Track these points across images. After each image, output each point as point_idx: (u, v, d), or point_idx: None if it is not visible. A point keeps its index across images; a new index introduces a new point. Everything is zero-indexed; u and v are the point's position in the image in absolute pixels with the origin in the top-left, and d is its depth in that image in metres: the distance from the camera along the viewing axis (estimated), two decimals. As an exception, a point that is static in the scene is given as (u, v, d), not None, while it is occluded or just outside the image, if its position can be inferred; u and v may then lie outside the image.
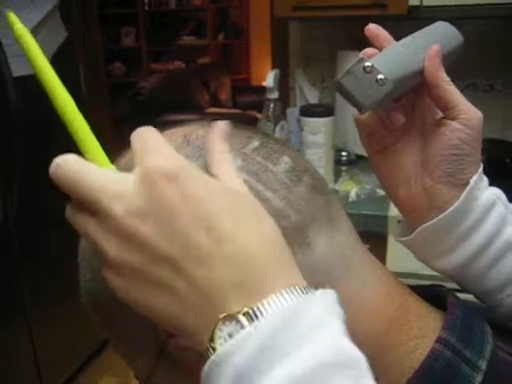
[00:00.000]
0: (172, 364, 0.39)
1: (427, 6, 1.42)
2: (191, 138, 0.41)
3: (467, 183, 0.45)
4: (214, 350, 0.29)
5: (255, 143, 0.41)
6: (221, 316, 0.29)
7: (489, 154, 1.66)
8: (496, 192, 0.47)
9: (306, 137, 1.48)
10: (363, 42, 1.80)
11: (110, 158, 0.37)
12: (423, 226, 0.46)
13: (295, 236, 0.38)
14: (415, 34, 0.49)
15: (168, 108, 3.28)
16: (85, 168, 0.34)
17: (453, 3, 1.41)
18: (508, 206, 0.47)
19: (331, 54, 1.84)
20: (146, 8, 5.33)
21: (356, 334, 0.39)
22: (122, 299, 0.33)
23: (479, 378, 0.38)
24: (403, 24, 1.84)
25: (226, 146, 0.38)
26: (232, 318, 0.29)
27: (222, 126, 0.40)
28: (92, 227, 0.32)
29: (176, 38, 5.36)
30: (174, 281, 0.30)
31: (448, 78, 0.46)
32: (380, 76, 0.42)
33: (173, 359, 0.38)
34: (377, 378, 0.38)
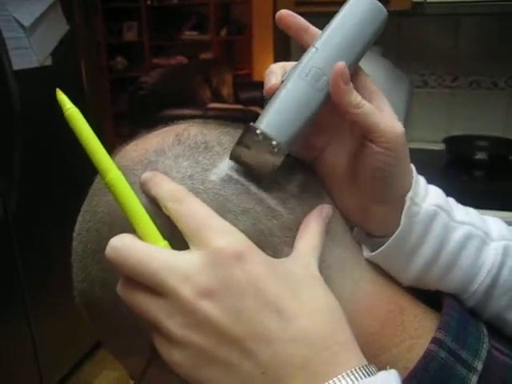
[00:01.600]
0: (163, 365, 0.38)
1: (431, 2, 1.41)
2: (182, 138, 0.41)
3: (402, 200, 0.42)
4: None
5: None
6: None
7: (492, 152, 1.66)
8: (434, 199, 0.44)
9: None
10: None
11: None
12: (370, 255, 0.43)
13: (286, 235, 0.38)
14: (319, 43, 0.42)
15: (169, 103, 3.28)
16: (146, 249, 0.34)
17: (457, -1, 1.40)
18: (450, 211, 0.44)
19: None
20: (149, 2, 5.31)
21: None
22: (184, 375, 0.33)
23: (475, 378, 0.38)
24: (406, 20, 1.84)
25: (322, 228, 0.38)
26: None
27: (326, 209, 0.40)
28: (153, 306, 0.33)
29: (178, 33, 5.34)
30: (242, 362, 0.31)
31: (359, 99, 0.39)
32: (273, 143, 0.38)
33: (163, 360, 0.38)
34: None
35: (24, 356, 1.98)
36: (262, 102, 1.51)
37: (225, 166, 0.39)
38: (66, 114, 0.37)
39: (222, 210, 0.37)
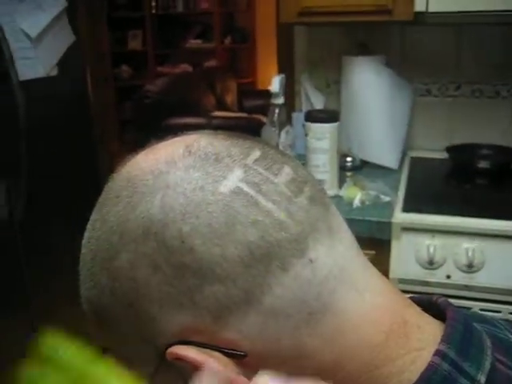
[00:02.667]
0: (168, 372, 0.40)
1: (433, 12, 1.42)
2: (193, 149, 0.41)
3: None
4: None
5: (256, 153, 0.42)
6: None
7: (494, 161, 1.67)
8: None
9: (311, 142, 1.48)
10: (368, 47, 1.81)
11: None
12: None
13: (294, 248, 0.39)
14: None
15: (174, 111, 3.29)
16: None
17: (459, 9, 1.40)
18: None
19: (336, 59, 1.85)
20: (153, 11, 5.35)
21: (356, 345, 0.40)
22: None
23: None
24: (409, 29, 1.85)
25: None
26: None
27: None
28: None
29: (183, 42, 5.38)
30: None
31: None
32: None
33: (170, 367, 0.39)
34: None
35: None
36: (266, 110, 1.52)
37: (235, 178, 0.39)
38: None
39: (232, 222, 0.37)
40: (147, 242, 0.38)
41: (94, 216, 0.44)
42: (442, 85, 1.88)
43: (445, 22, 1.76)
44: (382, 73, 1.73)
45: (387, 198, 1.44)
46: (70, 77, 2.11)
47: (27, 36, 1.84)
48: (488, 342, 0.42)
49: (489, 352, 0.40)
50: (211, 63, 5.25)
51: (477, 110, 1.86)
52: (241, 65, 5.40)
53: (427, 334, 0.41)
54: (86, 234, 0.44)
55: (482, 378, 0.39)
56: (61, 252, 1.93)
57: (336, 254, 0.41)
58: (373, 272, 0.44)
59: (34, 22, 1.87)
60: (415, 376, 0.39)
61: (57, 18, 1.97)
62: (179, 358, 0.38)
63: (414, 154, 1.89)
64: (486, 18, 1.55)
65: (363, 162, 1.77)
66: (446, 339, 0.40)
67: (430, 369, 0.39)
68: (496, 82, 1.82)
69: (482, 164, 1.64)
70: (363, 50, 1.79)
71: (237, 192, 0.39)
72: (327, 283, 0.40)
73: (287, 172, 0.42)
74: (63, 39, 2.03)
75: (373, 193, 1.46)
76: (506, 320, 0.50)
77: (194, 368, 0.38)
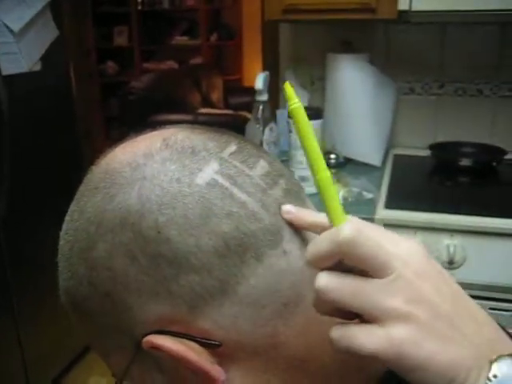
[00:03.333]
0: (145, 362, 0.41)
1: (416, 11, 1.43)
2: (170, 142, 0.42)
3: None
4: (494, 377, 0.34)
5: (232, 147, 0.42)
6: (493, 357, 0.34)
7: (476, 158, 1.69)
8: None
9: (295, 139, 1.49)
10: (352, 45, 1.82)
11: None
12: None
13: (268, 238, 0.39)
14: None
15: (159, 108, 3.28)
16: (375, 239, 0.36)
17: (442, 8, 1.42)
18: None
19: (321, 56, 1.85)
20: (139, 7, 5.32)
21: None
22: (400, 355, 0.34)
23: None
24: (393, 28, 1.86)
25: None
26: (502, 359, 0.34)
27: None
28: (371, 288, 0.35)
29: (169, 38, 5.36)
30: (453, 334, 0.35)
31: None
32: None
33: (146, 357, 0.40)
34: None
35: (11, 361, 1.97)
36: (252, 106, 1.52)
37: (210, 170, 0.40)
38: (290, 109, 0.39)
39: (207, 213, 0.38)
40: (124, 232, 0.39)
41: (72, 207, 0.44)
42: (425, 83, 1.89)
43: (428, 20, 1.77)
44: (366, 70, 1.74)
45: (370, 195, 1.45)
46: (54, 72, 2.09)
47: (10, 31, 1.82)
48: None
49: None
50: (197, 60, 5.23)
51: (460, 108, 1.88)
52: (227, 62, 5.39)
53: None
54: (64, 226, 0.44)
55: None
56: (45, 248, 1.91)
57: None
58: None
59: (17, 17, 1.85)
60: (382, 368, 0.40)
61: (40, 13, 1.95)
62: (155, 347, 0.39)
63: (398, 151, 1.91)
64: (469, 17, 1.57)
65: (347, 159, 1.78)
66: None
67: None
68: (479, 80, 1.84)
69: (465, 162, 1.66)
70: (347, 47, 1.80)
71: (212, 184, 0.39)
72: (302, 273, 0.40)
73: (262, 165, 0.42)
74: (46, 34, 2.02)
75: (356, 190, 1.47)
76: None
77: (170, 357, 0.38)
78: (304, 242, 0.42)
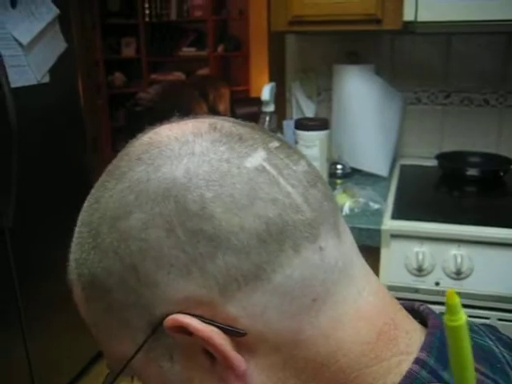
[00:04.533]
0: (156, 345, 0.40)
1: (422, 22, 1.43)
2: (218, 126, 0.42)
3: None
4: None
5: (276, 143, 0.43)
6: None
7: (483, 168, 1.68)
8: None
9: (301, 150, 1.49)
10: (358, 56, 1.83)
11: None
12: None
13: (308, 232, 0.39)
14: None
15: (166, 119, 3.30)
16: None
17: (447, 19, 1.42)
18: None
19: (327, 67, 1.86)
20: (147, 19, 5.36)
21: (350, 340, 0.41)
22: None
23: None
24: (399, 38, 1.87)
25: None
26: None
27: None
28: None
29: (176, 49, 5.39)
30: None
31: None
32: None
33: (159, 340, 0.39)
34: None
35: (19, 372, 1.98)
36: (258, 117, 1.53)
37: (259, 157, 0.40)
38: (455, 325, 0.31)
39: (254, 196, 0.38)
40: (166, 204, 0.38)
41: (103, 178, 0.43)
42: (431, 93, 1.89)
43: (433, 31, 1.78)
44: (372, 81, 1.74)
45: (376, 206, 1.45)
46: (62, 84, 2.11)
47: (19, 43, 1.84)
48: None
49: None
50: (204, 71, 5.26)
51: (466, 118, 1.88)
52: (234, 73, 5.41)
53: (413, 340, 0.42)
54: (93, 196, 0.43)
55: None
56: (52, 258, 1.92)
57: (342, 249, 0.42)
58: (370, 273, 0.45)
59: (25, 30, 1.87)
60: (398, 379, 0.39)
61: (49, 26, 1.98)
62: (179, 327, 0.38)
63: (404, 161, 1.91)
64: (474, 27, 1.57)
65: (353, 169, 1.78)
66: (426, 347, 0.41)
67: (410, 376, 0.39)
68: (485, 90, 1.84)
69: (471, 171, 1.66)
70: (354, 58, 1.80)
71: (260, 169, 0.39)
72: (332, 273, 0.40)
73: (303, 164, 0.43)
74: (55, 47, 2.04)
75: (362, 200, 1.47)
76: (487, 325, 0.51)
77: (192, 339, 0.38)
78: (339, 240, 0.42)
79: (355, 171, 1.78)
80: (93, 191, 0.44)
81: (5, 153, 1.77)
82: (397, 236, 1.33)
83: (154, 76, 5.42)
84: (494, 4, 1.37)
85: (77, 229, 0.44)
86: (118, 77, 5.48)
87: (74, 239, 0.44)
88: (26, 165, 1.86)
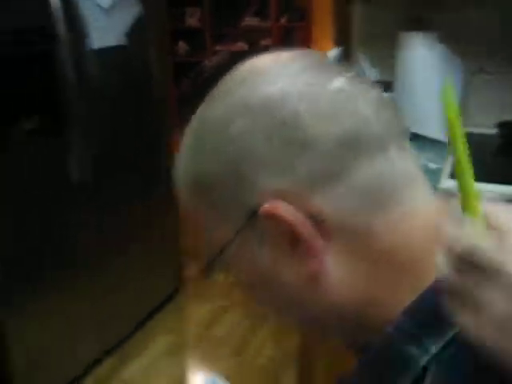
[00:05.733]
0: (250, 232, 0.48)
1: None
2: (306, 56, 0.52)
3: None
4: None
5: (349, 74, 0.51)
6: None
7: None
8: None
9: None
10: (422, 23, 1.84)
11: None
12: None
13: (380, 143, 0.48)
14: None
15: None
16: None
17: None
18: None
19: (392, 34, 1.89)
20: (211, -11, 5.40)
21: (407, 242, 0.48)
22: (501, 350, 0.35)
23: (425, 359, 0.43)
24: (463, 7, 1.87)
25: None
26: None
27: None
28: (479, 283, 0.36)
29: (239, 20, 5.42)
30: None
31: None
32: None
33: (253, 228, 0.47)
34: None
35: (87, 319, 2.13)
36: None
37: (340, 81, 0.49)
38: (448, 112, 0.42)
39: (337, 108, 0.47)
40: (264, 115, 0.46)
41: (208, 99, 0.53)
42: (494, 62, 1.90)
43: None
44: (435, 49, 1.77)
45: (435, 166, 1.50)
46: (137, 47, 2.22)
47: (99, 6, 1.96)
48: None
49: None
50: (267, 42, 5.28)
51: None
52: (296, 44, 5.40)
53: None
54: (199, 111, 0.53)
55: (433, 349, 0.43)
56: (131, 214, 2.04)
57: (409, 164, 0.50)
58: (431, 193, 0.52)
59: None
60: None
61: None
62: (271, 215, 0.45)
63: (465, 129, 1.92)
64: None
65: (414, 134, 1.82)
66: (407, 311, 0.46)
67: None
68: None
69: (531, 140, 1.67)
70: (418, 25, 1.83)
71: (342, 89, 0.48)
72: (402, 179, 0.48)
73: (374, 92, 0.51)
74: (131, 10, 2.15)
75: (422, 161, 1.52)
76: None
77: (280, 224, 0.45)
78: (406, 154, 0.50)
79: (415, 136, 1.82)
80: (197, 110, 0.53)
81: (87, 108, 1.89)
82: (454, 195, 1.37)
83: (216, 46, 5.47)
84: None
85: (183, 140, 0.54)
86: (182, 46, 5.55)
87: (180, 149, 0.54)
88: (106, 118, 2.00)
